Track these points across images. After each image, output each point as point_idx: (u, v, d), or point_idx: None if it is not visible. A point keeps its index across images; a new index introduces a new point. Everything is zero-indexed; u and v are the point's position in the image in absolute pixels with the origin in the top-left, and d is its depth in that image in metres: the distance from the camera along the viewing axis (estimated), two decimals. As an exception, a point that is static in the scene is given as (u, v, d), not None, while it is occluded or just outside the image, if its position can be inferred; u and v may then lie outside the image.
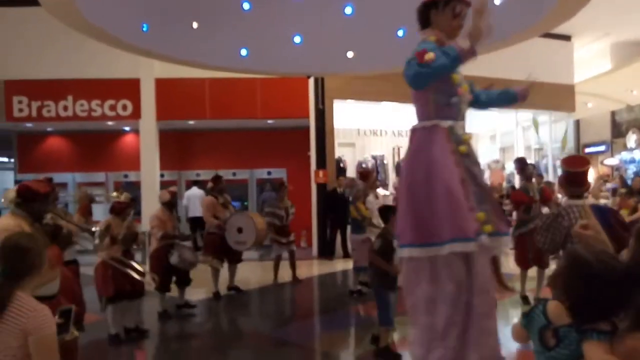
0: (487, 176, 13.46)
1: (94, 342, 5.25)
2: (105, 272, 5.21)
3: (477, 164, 3.04)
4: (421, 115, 3.01)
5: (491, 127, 14.68)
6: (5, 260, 2.20)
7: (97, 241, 4.84)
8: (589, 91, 14.29)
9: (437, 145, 2.88)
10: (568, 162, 3.79)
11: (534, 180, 7.00)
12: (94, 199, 5.60)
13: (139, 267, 5.50)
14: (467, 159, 2.95)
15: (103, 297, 5.27)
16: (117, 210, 5.44)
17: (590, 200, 3.43)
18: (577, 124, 15.18)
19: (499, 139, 15.12)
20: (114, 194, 5.82)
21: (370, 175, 8.26)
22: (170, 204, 6.60)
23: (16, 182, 12.01)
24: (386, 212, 4.89)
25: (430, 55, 2.65)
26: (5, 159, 15.27)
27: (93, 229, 4.97)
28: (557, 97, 12.88)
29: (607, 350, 1.60)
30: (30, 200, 3.40)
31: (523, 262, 6.47)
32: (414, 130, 3.05)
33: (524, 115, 14.36)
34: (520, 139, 14.72)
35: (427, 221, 2.83)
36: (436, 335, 2.85)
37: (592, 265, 1.64)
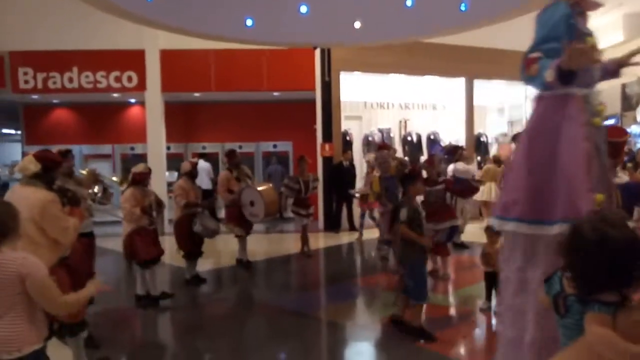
0: (495, 150, 13.37)
1: (104, 312, 5.37)
2: (141, 240, 5.48)
3: (605, 139, 2.76)
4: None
5: (500, 99, 14.49)
6: None
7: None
8: (599, 63, 14.03)
9: (568, 117, 2.61)
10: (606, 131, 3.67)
11: None
12: (102, 181, 5.72)
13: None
14: (598, 133, 2.68)
15: (141, 262, 5.56)
16: (138, 180, 5.67)
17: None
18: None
19: (508, 112, 14.93)
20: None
21: (389, 148, 8.34)
22: (192, 174, 6.80)
23: (23, 153, 12.08)
24: (405, 180, 4.79)
25: (534, 69, 2.60)
26: (12, 131, 15.34)
27: (92, 190, 5.15)
28: (568, 69, 12.64)
29: (606, 323, 1.55)
30: (51, 170, 3.49)
31: None
32: (540, 98, 2.79)
33: (533, 88, 14.12)
34: (529, 112, 14.51)
35: (541, 197, 2.60)
36: (526, 319, 2.63)
37: (585, 235, 1.59)
